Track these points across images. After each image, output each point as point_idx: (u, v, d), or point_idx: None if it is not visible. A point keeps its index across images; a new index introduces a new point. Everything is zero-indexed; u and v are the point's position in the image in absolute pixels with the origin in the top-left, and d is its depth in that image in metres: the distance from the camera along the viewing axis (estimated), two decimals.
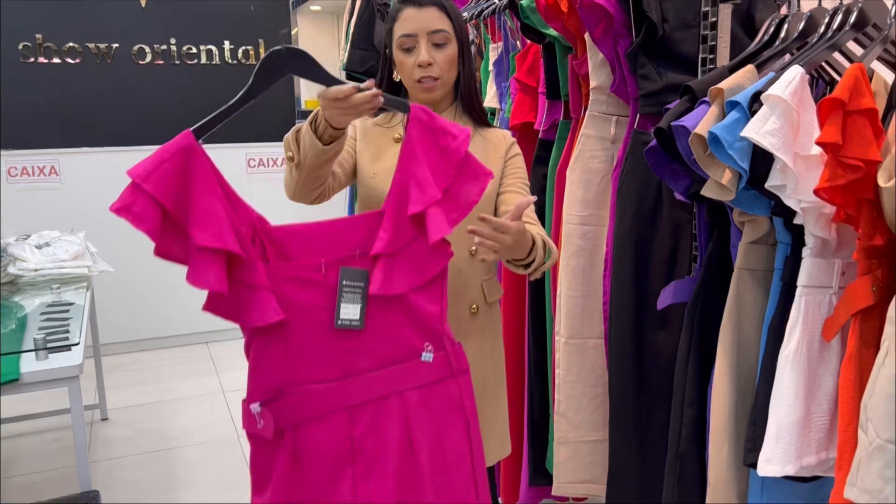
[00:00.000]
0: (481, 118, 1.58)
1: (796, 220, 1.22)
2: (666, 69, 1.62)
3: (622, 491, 1.71)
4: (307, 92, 6.00)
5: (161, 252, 1.14)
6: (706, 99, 1.28)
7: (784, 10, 1.49)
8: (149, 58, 4.76)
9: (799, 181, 1.16)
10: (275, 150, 4.51)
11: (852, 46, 1.31)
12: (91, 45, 4.61)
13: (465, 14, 2.35)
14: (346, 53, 3.35)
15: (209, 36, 5.25)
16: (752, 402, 1.32)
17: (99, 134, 4.54)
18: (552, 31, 1.83)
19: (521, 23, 1.88)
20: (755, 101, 1.19)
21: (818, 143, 1.11)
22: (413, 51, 1.49)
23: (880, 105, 1.20)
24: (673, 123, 1.28)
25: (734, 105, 1.21)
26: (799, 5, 1.43)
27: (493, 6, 2.10)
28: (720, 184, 1.24)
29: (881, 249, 1.15)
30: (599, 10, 1.62)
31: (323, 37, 5.10)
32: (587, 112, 1.77)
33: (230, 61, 5.31)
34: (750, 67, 1.28)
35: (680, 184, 1.39)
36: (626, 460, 1.68)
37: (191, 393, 3.79)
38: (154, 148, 1.15)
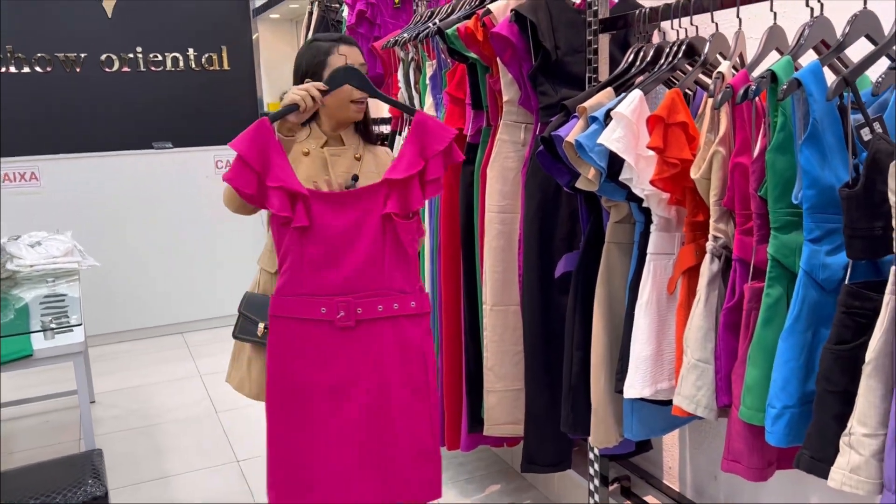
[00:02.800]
0: (370, 136, 1.96)
1: (645, 204, 1.64)
2: (560, 86, 2.03)
3: (537, 425, 2.12)
4: (269, 94, 6.33)
5: (250, 201, 1.67)
6: (576, 114, 1.69)
7: (656, 38, 1.92)
8: (116, 66, 5.04)
9: (641, 175, 1.58)
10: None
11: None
12: (60, 55, 4.89)
13: (405, 35, 2.74)
14: None
15: (174, 43, 5.53)
16: (620, 343, 1.74)
17: (74, 140, 4.82)
18: (473, 54, 2.22)
19: (447, 46, 2.27)
20: (608, 117, 1.60)
21: (648, 147, 1.52)
22: None
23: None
24: (552, 133, 1.69)
25: (594, 119, 1.63)
26: (665, 35, 1.85)
27: (427, 30, 2.49)
28: (588, 179, 1.65)
29: (703, 223, 1.57)
30: (505, 40, 2.02)
31: (281, 43, 5.44)
32: (502, 121, 2.17)
33: (195, 67, 5.60)
34: (609, 90, 1.70)
35: (563, 179, 1.80)
36: (538, 399, 2.10)
37: (170, 376, 4.13)
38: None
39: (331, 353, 1.72)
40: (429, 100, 2.64)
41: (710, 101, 1.47)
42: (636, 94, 1.57)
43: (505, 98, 2.14)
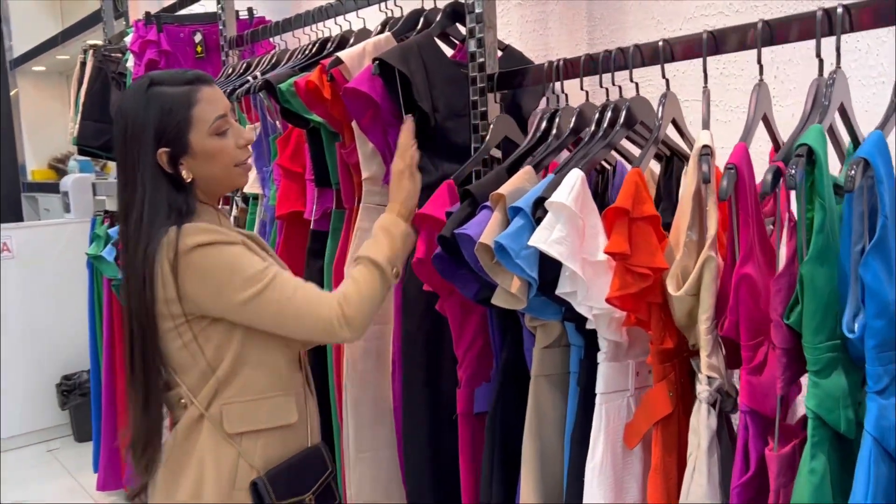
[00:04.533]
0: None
1: (588, 326, 1.18)
2: (440, 160, 1.54)
3: None
4: (34, 160, 5.27)
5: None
6: (487, 204, 1.21)
7: (543, 102, 1.49)
8: None
9: (589, 288, 1.12)
10: None
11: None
12: None
13: None
14: (78, 126, 2.94)
15: None
16: None
17: None
18: (316, 117, 1.68)
19: (280, 106, 1.71)
20: (538, 207, 1.13)
21: (607, 253, 1.07)
22: (227, 132, 1.31)
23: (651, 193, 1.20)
24: (457, 231, 1.18)
25: (517, 211, 1.15)
26: (561, 99, 1.43)
27: (248, 85, 1.91)
28: (510, 293, 1.16)
29: (672, 351, 1.13)
30: (365, 99, 1.51)
31: (49, 100, 4.51)
32: (362, 204, 1.64)
33: None
34: (528, 169, 1.23)
35: (469, 289, 1.29)
36: None
37: None
38: None
39: None
40: (251, 173, 2.04)
41: (687, 186, 1.05)
42: (576, 176, 1.12)
43: (364, 174, 1.62)
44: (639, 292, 1.07)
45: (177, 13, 2.64)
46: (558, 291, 1.13)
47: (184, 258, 1.23)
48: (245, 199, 2.15)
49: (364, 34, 1.82)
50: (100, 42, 3.14)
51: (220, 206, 1.43)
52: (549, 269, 1.14)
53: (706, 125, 1.09)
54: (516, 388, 1.31)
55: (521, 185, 1.20)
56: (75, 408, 3.92)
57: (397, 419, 1.61)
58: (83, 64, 3.05)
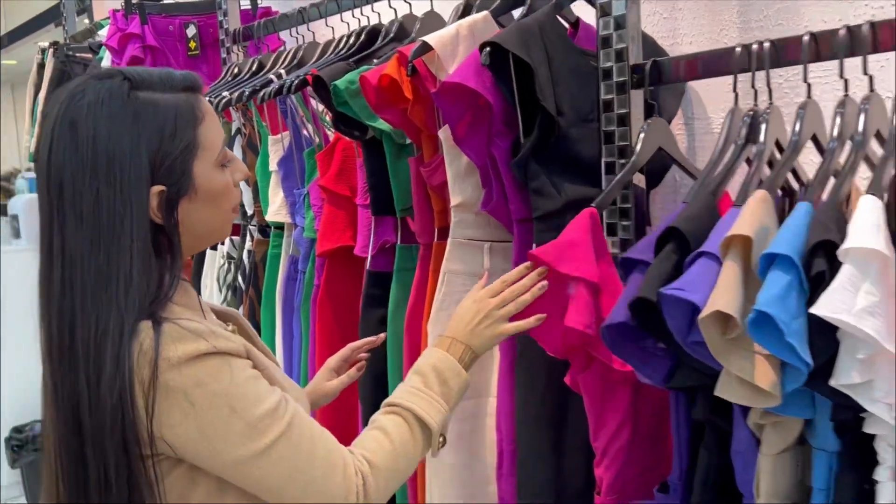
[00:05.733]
0: None
1: (868, 429, 0.79)
2: (563, 180, 1.15)
3: None
4: None
5: None
6: (708, 250, 0.81)
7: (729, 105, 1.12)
8: None
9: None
10: None
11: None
12: None
13: (225, 94, 1.69)
14: (35, 139, 2.45)
15: None
16: None
17: None
18: (382, 124, 1.27)
19: (334, 111, 1.29)
20: (815, 256, 0.74)
21: None
22: (228, 165, 0.92)
23: None
24: (667, 292, 0.79)
25: (771, 260, 0.76)
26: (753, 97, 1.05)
27: (277, 85, 1.49)
28: (759, 385, 0.77)
29: None
30: (467, 97, 1.10)
31: None
32: (450, 238, 1.23)
33: None
34: (763, 195, 0.84)
35: (657, 370, 0.90)
36: None
37: None
38: None
39: None
40: (276, 198, 1.61)
41: None
42: (873, 205, 0.74)
43: (455, 199, 1.21)
44: None
45: (164, 1, 2.19)
46: (840, 383, 0.75)
47: (166, 377, 0.80)
48: (263, 228, 1.71)
49: (429, 21, 1.42)
50: (61, 40, 2.66)
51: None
52: (818, 345, 0.75)
53: None
54: None
55: (761, 219, 0.81)
56: (28, 465, 3.39)
57: None
58: (41, 66, 2.56)
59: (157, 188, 0.84)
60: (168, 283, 0.84)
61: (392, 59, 1.18)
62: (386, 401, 0.96)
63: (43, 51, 2.54)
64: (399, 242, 1.37)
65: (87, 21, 2.90)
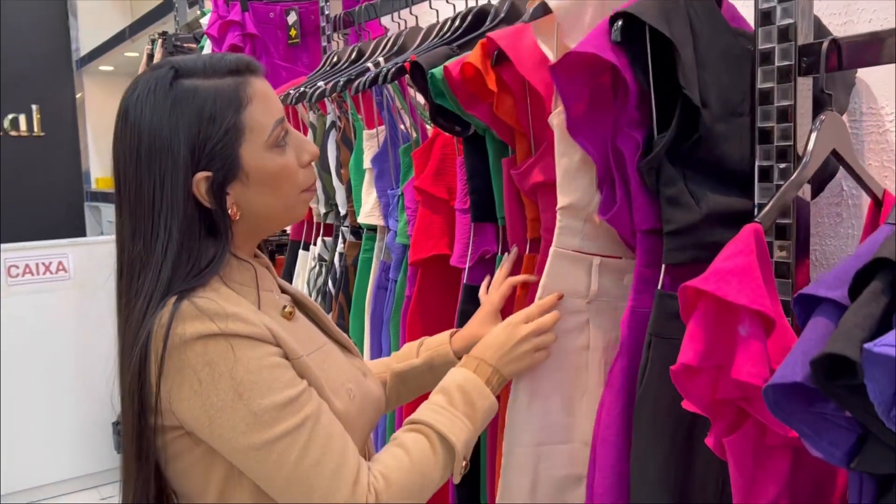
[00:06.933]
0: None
1: None
2: (703, 187, 0.93)
3: None
4: (99, 166, 4.90)
5: None
6: None
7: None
8: None
9: None
10: (48, 252, 3.38)
11: None
12: None
13: (320, 84, 1.57)
14: None
15: None
16: None
17: None
18: (479, 120, 1.10)
19: (432, 103, 1.13)
20: None
21: None
22: (286, 145, 0.90)
23: None
24: (873, 349, 0.57)
25: None
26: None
27: (373, 74, 1.34)
28: None
29: None
30: (592, 72, 0.91)
31: (115, 102, 4.06)
32: (552, 248, 1.04)
33: None
34: None
35: (835, 443, 0.68)
36: None
37: None
38: None
39: None
40: (370, 197, 1.47)
41: None
42: None
43: (563, 200, 1.01)
44: None
45: None
46: None
47: (178, 352, 0.81)
48: (356, 230, 1.58)
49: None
50: (170, 30, 2.65)
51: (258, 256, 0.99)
52: None
53: None
54: None
55: None
56: None
57: None
58: (150, 57, 2.56)
59: (202, 174, 0.85)
60: (215, 262, 0.85)
61: (477, 47, 1.01)
62: (408, 418, 0.94)
63: (152, 41, 2.53)
64: (500, 253, 1.20)
65: (198, 11, 2.90)
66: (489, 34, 1.06)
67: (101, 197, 4.65)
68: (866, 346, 0.57)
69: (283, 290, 0.99)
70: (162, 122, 0.84)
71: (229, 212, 0.87)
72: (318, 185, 1.66)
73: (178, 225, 0.84)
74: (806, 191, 0.93)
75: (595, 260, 1.04)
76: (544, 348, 1.01)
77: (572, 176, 1.02)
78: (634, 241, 1.03)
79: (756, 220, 0.79)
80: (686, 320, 0.76)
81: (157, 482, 0.87)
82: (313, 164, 0.96)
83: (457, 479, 0.93)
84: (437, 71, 1.11)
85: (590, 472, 1.04)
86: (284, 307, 0.93)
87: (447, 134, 1.25)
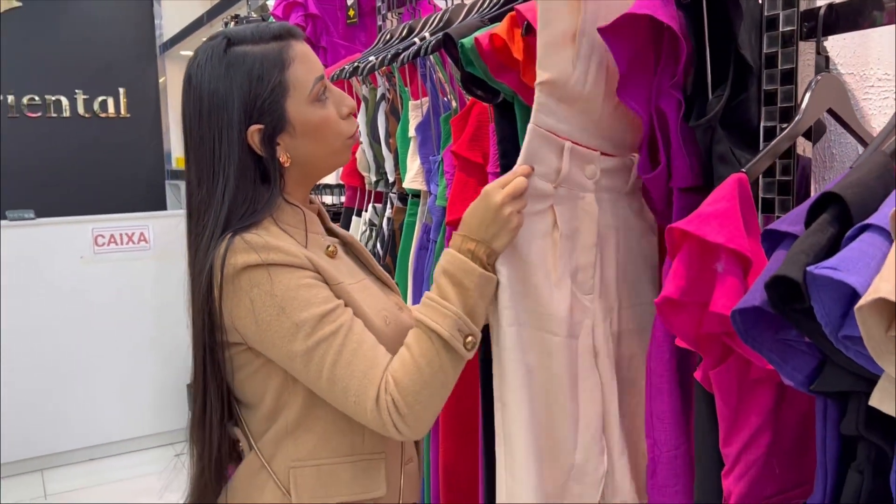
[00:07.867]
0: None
1: None
2: (741, 148, 1.00)
3: None
4: (180, 146, 5.17)
5: None
6: (874, 223, 0.65)
7: None
8: None
9: None
10: (131, 224, 3.64)
11: None
12: None
13: (371, 59, 1.69)
14: None
15: (56, 85, 4.38)
16: None
17: None
18: (506, 87, 1.18)
19: (462, 72, 1.22)
20: None
21: None
22: (327, 99, 1.04)
23: None
24: (816, 271, 0.64)
25: None
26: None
27: (416, 47, 1.45)
28: None
29: None
30: (640, 35, 0.98)
31: None
32: (530, 125, 1.04)
33: (83, 114, 4.46)
34: None
35: (797, 368, 0.75)
36: None
37: None
38: None
39: None
40: (414, 163, 1.58)
41: None
42: None
43: (542, 76, 1.01)
44: None
45: None
46: None
47: (232, 279, 0.97)
48: (402, 196, 1.69)
49: None
50: (242, 13, 2.82)
51: (311, 202, 1.14)
52: None
53: None
54: None
55: None
56: None
57: None
58: None
59: (255, 127, 0.99)
60: (266, 204, 1.00)
61: (506, 18, 1.09)
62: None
63: (226, 23, 2.70)
64: None
65: None
66: (517, 6, 1.14)
67: (180, 175, 4.92)
68: (808, 268, 0.64)
69: (333, 233, 1.13)
70: (218, 83, 0.99)
71: (280, 159, 1.01)
72: (370, 154, 1.78)
73: (235, 172, 0.99)
74: (807, 148, 0.98)
75: (567, 144, 1.05)
76: (520, 212, 0.99)
77: (553, 50, 1.00)
78: (663, 202, 1.09)
79: (742, 170, 0.86)
80: (672, 259, 0.84)
81: (220, 394, 1.03)
82: (360, 124, 1.08)
83: (468, 356, 0.98)
84: (468, 41, 1.20)
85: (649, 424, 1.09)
86: (328, 246, 1.07)
87: (484, 103, 1.34)
